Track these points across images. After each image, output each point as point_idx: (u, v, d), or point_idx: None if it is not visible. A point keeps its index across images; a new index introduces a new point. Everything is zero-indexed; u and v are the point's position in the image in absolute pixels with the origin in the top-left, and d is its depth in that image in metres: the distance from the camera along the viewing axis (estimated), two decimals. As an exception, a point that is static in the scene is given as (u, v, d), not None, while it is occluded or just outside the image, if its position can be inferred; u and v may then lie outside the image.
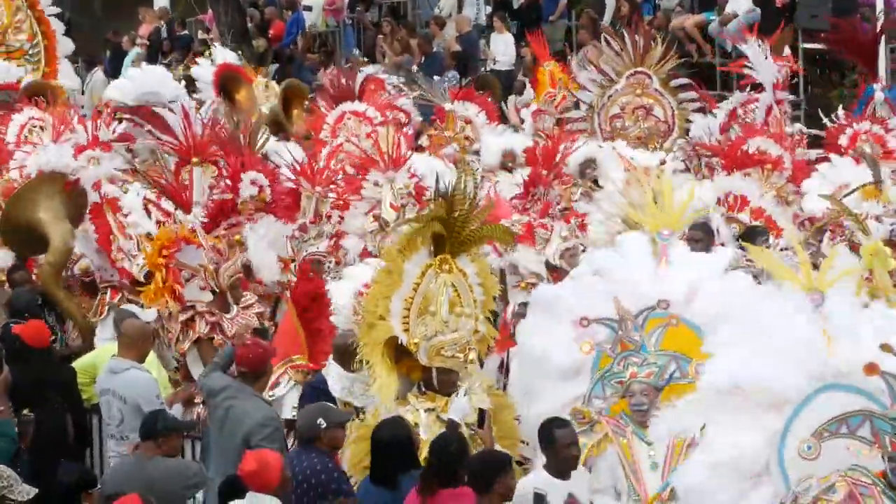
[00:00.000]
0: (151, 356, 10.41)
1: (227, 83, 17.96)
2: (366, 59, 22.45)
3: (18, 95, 17.27)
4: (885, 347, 6.26)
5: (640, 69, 15.01)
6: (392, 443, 8.03)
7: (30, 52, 19.58)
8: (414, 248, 8.68)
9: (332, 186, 13.19)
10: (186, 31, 28.04)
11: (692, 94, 15.90)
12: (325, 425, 8.37)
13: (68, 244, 11.96)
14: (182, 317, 10.82)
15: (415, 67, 22.81)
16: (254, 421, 8.73)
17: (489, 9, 25.25)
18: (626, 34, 15.72)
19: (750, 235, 11.46)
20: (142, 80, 15.73)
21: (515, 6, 24.63)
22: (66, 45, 20.27)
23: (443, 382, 8.59)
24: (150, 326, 10.49)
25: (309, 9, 26.48)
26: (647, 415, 7.34)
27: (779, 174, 12.75)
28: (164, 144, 13.44)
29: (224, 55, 19.06)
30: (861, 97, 15.58)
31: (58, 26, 20.17)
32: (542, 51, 18.79)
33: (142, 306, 11.08)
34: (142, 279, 11.64)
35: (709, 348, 6.75)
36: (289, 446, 9.17)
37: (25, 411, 9.77)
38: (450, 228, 8.61)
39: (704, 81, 19.23)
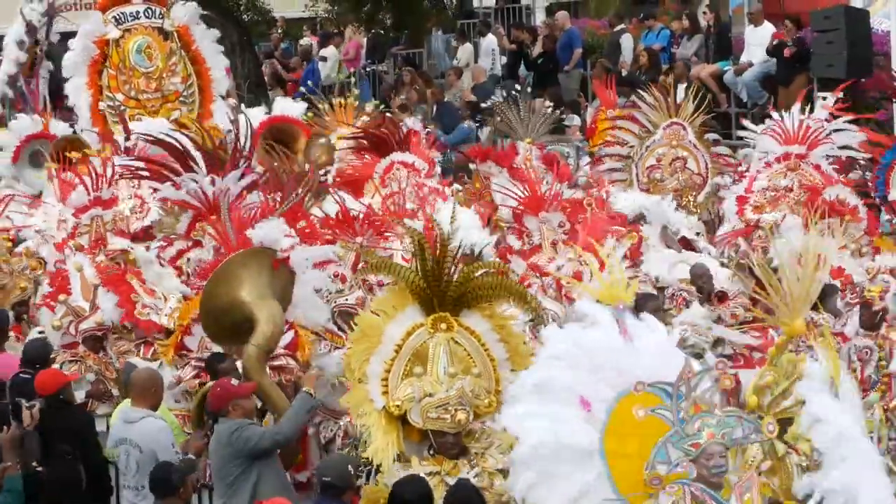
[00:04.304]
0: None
1: (279, 135, 17.89)
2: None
3: (51, 149, 17.22)
4: None
5: (675, 120, 15.01)
6: (416, 500, 7.91)
7: (184, 93, 19.08)
8: (399, 306, 8.47)
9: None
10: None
11: (724, 149, 15.99)
12: (353, 473, 8.43)
13: (279, 327, 10.15)
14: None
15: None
16: (223, 440, 9.08)
17: (504, 59, 25.50)
18: (648, 86, 15.80)
19: (822, 294, 11.46)
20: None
21: (531, 56, 24.85)
22: (222, 84, 19.55)
23: (440, 445, 8.33)
24: (159, 374, 10.46)
25: (324, 60, 26.71)
26: (723, 477, 7.37)
27: (856, 225, 12.56)
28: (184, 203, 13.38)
29: (283, 106, 18.88)
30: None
31: (216, 63, 19.46)
32: (606, 97, 18.49)
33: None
34: (172, 328, 11.82)
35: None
36: None
37: (34, 463, 9.77)
38: (437, 287, 8.41)
39: (721, 131, 19.42)
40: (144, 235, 14.31)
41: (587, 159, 17.52)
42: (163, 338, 11.74)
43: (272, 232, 10.39)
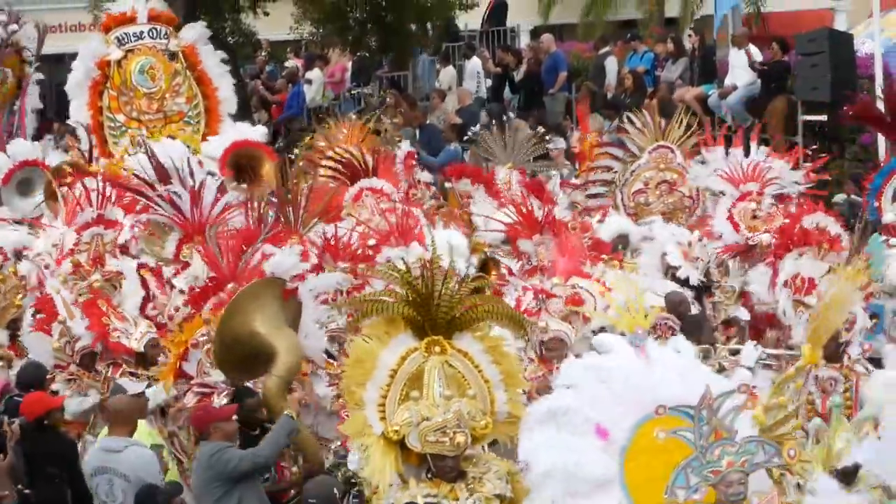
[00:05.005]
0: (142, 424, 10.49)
1: (246, 160, 17.83)
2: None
3: (52, 175, 17.09)
4: None
5: (662, 143, 14.95)
6: None
7: (189, 114, 19.01)
8: (391, 333, 8.48)
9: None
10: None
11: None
12: (338, 495, 8.59)
13: (299, 357, 10.09)
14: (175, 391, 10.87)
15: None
16: (203, 463, 9.29)
17: (489, 82, 25.56)
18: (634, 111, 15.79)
19: None
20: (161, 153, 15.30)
21: (516, 79, 24.91)
22: (230, 103, 19.37)
23: (439, 468, 8.31)
24: (138, 399, 10.55)
25: (309, 82, 26.75)
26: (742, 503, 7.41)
27: (836, 254, 12.19)
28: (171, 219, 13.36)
29: (242, 130, 18.77)
30: (884, 167, 15.22)
31: (224, 83, 19.35)
32: (585, 123, 18.64)
33: (151, 379, 11.22)
34: (141, 349, 11.81)
35: None
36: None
37: (19, 486, 9.83)
38: (427, 310, 8.43)
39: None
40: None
41: (557, 181, 17.54)
42: (131, 360, 11.85)
43: (285, 262, 10.36)
